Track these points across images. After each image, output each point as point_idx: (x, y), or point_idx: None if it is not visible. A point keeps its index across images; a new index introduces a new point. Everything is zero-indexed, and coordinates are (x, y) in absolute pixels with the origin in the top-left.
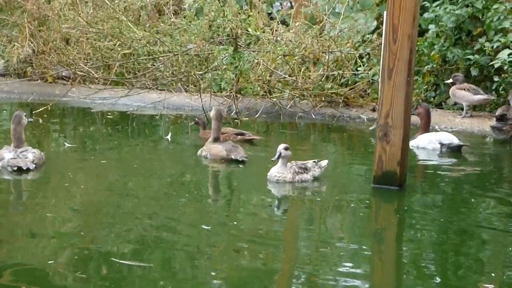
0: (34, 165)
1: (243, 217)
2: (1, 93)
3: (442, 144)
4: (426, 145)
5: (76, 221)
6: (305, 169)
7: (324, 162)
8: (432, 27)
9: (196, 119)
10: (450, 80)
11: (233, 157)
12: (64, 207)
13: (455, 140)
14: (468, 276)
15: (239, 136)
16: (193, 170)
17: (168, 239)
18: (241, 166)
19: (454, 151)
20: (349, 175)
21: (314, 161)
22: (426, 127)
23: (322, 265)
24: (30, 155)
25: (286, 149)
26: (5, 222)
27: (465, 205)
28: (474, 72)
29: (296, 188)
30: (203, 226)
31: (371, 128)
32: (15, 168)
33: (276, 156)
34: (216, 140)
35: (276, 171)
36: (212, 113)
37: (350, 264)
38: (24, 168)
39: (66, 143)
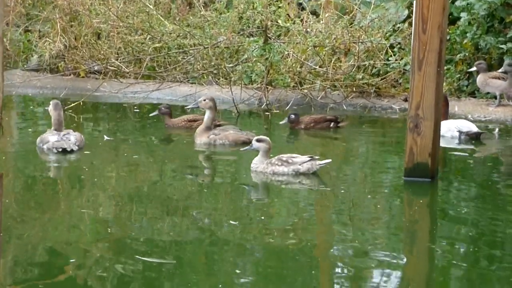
0: (77, 147)
1: (269, 210)
2: (34, 88)
3: (461, 132)
4: (445, 133)
5: (104, 217)
6: (286, 162)
7: (324, 161)
8: (464, 15)
9: (162, 108)
10: (474, 68)
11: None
12: (96, 201)
13: (473, 128)
14: (502, 270)
15: None
16: (219, 165)
17: (196, 235)
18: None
19: (473, 138)
20: (380, 167)
21: (310, 157)
22: (445, 115)
23: (354, 259)
24: (72, 138)
25: (258, 141)
26: (37, 210)
27: (499, 197)
28: (507, 60)
29: (325, 180)
30: (231, 222)
31: (281, 122)
32: (60, 150)
33: (246, 147)
34: (209, 129)
35: (253, 161)
36: (207, 103)
37: (382, 258)
38: (68, 150)
39: (105, 136)
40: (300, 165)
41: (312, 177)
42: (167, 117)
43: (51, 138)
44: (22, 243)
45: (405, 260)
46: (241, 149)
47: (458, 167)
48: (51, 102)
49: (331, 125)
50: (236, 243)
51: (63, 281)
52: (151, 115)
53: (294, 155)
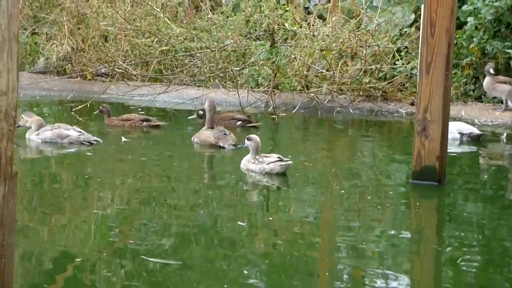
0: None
1: (276, 212)
2: (41, 90)
3: (462, 134)
4: None
5: (110, 217)
6: (257, 160)
7: (285, 163)
8: (470, 19)
9: (101, 107)
10: (491, 70)
11: (220, 144)
12: (105, 202)
13: (474, 130)
14: (510, 273)
15: (144, 122)
16: (230, 167)
17: (203, 236)
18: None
19: (474, 140)
20: (387, 171)
21: (279, 157)
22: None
23: (361, 261)
24: (84, 131)
25: (248, 139)
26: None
27: (506, 200)
28: None
29: (332, 182)
30: (239, 223)
31: (190, 117)
32: (93, 141)
33: (240, 145)
34: (209, 129)
35: (243, 158)
36: (206, 105)
37: (389, 261)
38: (100, 142)
39: (122, 138)
40: (267, 164)
41: (320, 178)
42: (106, 116)
43: (71, 133)
44: (31, 241)
45: (412, 263)
46: (238, 146)
47: (465, 170)
48: (26, 113)
49: (237, 123)
50: (242, 244)
51: (68, 281)
52: (94, 113)
53: (268, 154)
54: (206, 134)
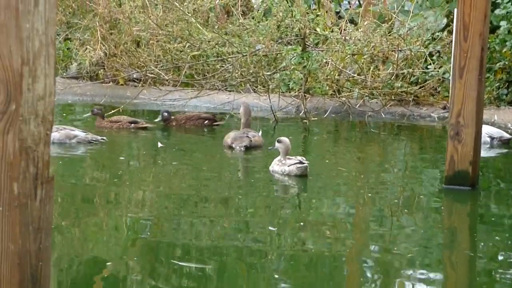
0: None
1: (307, 215)
2: (74, 95)
3: (492, 138)
4: None
5: (142, 220)
6: (281, 162)
7: (302, 165)
8: (503, 23)
9: (95, 109)
10: None
11: (233, 145)
12: (135, 206)
13: (504, 133)
14: None
15: (132, 124)
16: (259, 173)
17: (232, 241)
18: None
19: (505, 144)
20: (420, 175)
21: (301, 159)
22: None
23: (393, 268)
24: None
25: (278, 141)
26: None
27: None
28: None
29: (363, 186)
30: (270, 228)
31: (155, 120)
32: (100, 139)
33: (270, 147)
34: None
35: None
36: (240, 110)
37: (422, 268)
38: (106, 140)
39: (159, 143)
40: (287, 166)
41: (352, 182)
42: (99, 118)
43: (78, 133)
44: (63, 244)
45: (445, 269)
46: (268, 148)
47: (498, 175)
48: None
49: (205, 122)
50: (274, 249)
51: (100, 284)
52: (84, 116)
53: (293, 157)
54: (228, 135)
